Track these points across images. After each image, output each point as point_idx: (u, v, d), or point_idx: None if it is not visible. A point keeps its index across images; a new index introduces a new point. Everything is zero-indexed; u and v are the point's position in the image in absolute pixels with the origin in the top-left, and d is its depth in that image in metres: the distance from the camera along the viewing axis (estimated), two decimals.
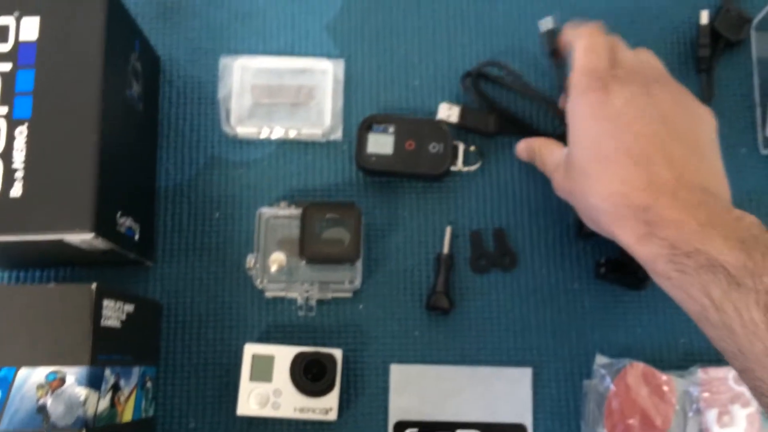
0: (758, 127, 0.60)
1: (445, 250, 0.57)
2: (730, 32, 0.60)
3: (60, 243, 0.45)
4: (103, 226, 0.45)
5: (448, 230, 0.57)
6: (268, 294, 0.56)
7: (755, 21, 0.61)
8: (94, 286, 0.43)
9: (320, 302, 0.56)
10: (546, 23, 0.58)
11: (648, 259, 0.41)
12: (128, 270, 0.56)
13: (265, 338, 0.55)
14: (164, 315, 0.56)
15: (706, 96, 0.59)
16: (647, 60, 0.49)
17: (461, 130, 0.59)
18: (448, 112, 0.59)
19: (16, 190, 0.44)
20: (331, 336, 0.56)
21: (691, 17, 0.61)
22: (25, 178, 0.45)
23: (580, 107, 0.45)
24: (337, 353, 0.52)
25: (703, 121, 0.47)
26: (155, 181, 0.58)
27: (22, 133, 0.45)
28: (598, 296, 0.57)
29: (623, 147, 0.42)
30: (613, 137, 0.43)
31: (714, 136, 0.47)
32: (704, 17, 0.60)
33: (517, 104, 0.61)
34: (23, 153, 0.45)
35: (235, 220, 0.58)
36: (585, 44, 0.48)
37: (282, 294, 0.56)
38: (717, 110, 0.59)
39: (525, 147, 0.55)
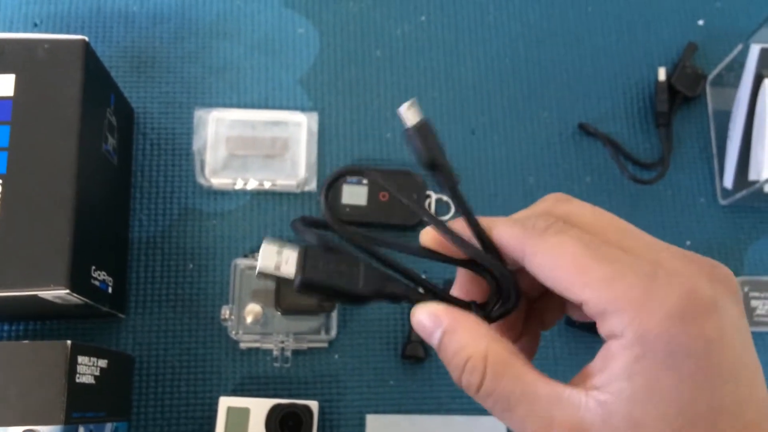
0: (716, 177, 0.63)
1: None
2: (686, 88, 0.63)
3: (33, 298, 0.45)
4: (77, 281, 0.45)
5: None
6: (243, 345, 0.55)
7: (710, 77, 0.64)
8: (69, 343, 0.42)
9: (296, 353, 0.56)
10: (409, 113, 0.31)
11: None
12: (99, 323, 0.55)
13: (239, 390, 0.55)
14: (136, 368, 0.55)
15: (665, 149, 0.62)
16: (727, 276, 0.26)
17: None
18: None
19: None
20: (307, 387, 0.56)
21: (650, 75, 0.64)
22: None
23: (681, 347, 0.23)
24: (314, 405, 0.52)
25: None
26: (129, 233, 0.57)
27: None
28: (569, 344, 0.58)
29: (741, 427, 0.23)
30: (734, 414, 0.23)
31: None
32: (662, 74, 0.63)
33: None
34: None
35: (209, 272, 0.58)
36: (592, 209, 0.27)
37: (257, 345, 0.55)
38: (677, 162, 0.62)
39: (436, 330, 0.28)
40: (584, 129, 0.62)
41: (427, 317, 0.28)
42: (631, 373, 0.23)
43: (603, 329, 0.25)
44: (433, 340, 0.28)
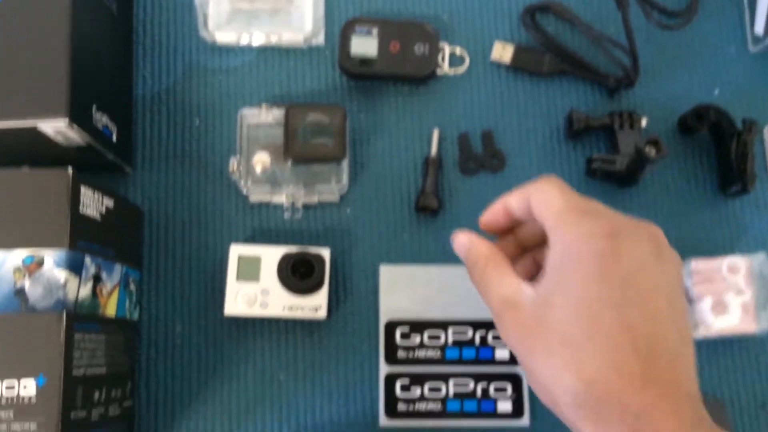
0: (746, 24, 0.60)
1: (433, 151, 0.56)
2: None
3: (34, 134, 0.44)
4: (77, 114, 0.44)
5: (436, 132, 0.56)
6: (253, 199, 0.54)
7: None
8: (69, 169, 0.42)
9: (306, 207, 0.55)
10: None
11: None
12: (107, 176, 0.54)
13: (250, 242, 0.54)
14: (146, 222, 0.54)
15: None
16: (652, 229, 0.38)
17: (513, 70, 0.58)
18: (501, 52, 0.57)
19: None
20: (318, 240, 0.55)
21: None
22: None
23: (582, 256, 0.35)
24: (325, 252, 0.51)
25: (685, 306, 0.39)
26: (132, 89, 0.56)
27: None
28: (588, 193, 0.55)
29: (626, 325, 0.33)
30: (619, 310, 0.33)
31: None
32: None
33: (576, 44, 0.58)
34: None
35: (216, 128, 0.56)
36: (557, 182, 0.39)
37: (267, 199, 0.54)
38: (705, 10, 0.59)
39: (466, 246, 0.42)
40: None
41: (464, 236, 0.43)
42: (554, 270, 0.36)
43: (548, 245, 0.37)
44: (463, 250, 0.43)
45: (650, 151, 0.50)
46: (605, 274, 0.34)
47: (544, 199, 0.38)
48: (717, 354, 0.54)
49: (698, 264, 0.54)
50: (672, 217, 0.56)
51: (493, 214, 0.42)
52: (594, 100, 0.58)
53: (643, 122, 0.56)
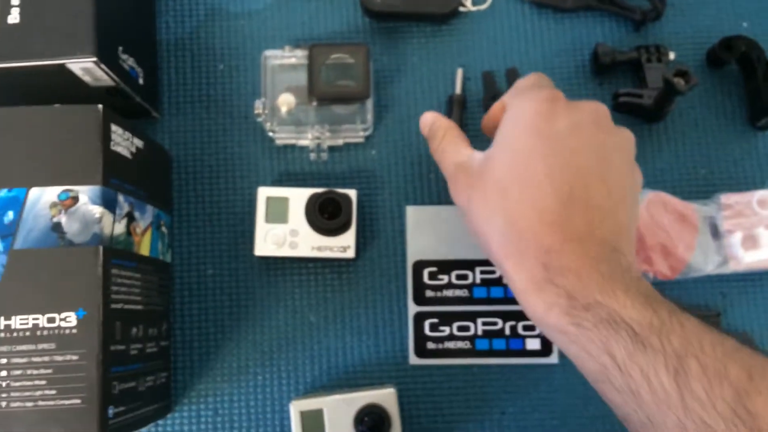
0: None
1: (458, 90, 0.55)
2: None
3: (62, 73, 0.44)
4: (104, 53, 0.44)
5: (460, 71, 0.56)
6: (279, 141, 0.55)
7: None
8: (100, 107, 0.42)
9: (332, 149, 0.55)
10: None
11: (539, 309, 0.36)
12: (135, 122, 0.54)
13: (277, 185, 0.55)
14: (174, 167, 0.55)
15: None
16: (596, 104, 0.43)
17: (537, 5, 0.57)
18: None
19: (14, 17, 0.43)
20: (344, 181, 0.55)
21: None
22: (21, 4, 0.43)
23: (523, 115, 0.40)
24: (352, 193, 0.51)
25: (635, 179, 0.43)
26: (155, 33, 0.56)
27: None
28: None
29: (551, 174, 0.38)
30: (546, 161, 0.38)
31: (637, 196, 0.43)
32: None
33: None
34: None
35: (240, 72, 0.56)
36: (538, 74, 0.45)
37: (293, 141, 0.55)
38: None
39: (429, 123, 0.47)
40: None
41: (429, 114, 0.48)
42: (500, 134, 0.41)
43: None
44: (426, 126, 0.48)
45: (679, 82, 0.50)
46: (539, 129, 0.39)
47: (517, 84, 0.44)
48: (747, 288, 0.54)
49: (728, 198, 0.53)
50: (700, 151, 0.55)
51: (493, 111, 0.46)
52: (620, 34, 0.57)
53: (671, 56, 0.55)
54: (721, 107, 0.56)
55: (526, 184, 0.38)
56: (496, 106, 0.45)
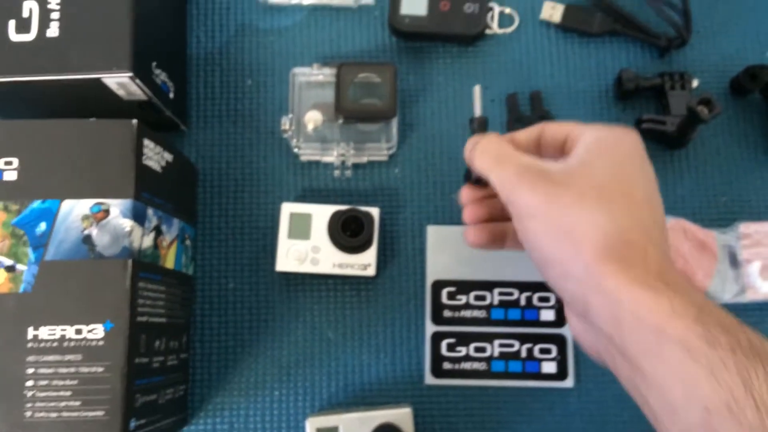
0: None
1: (477, 110, 0.56)
2: None
3: (97, 87, 0.45)
4: (140, 68, 0.45)
5: (477, 88, 0.56)
6: (304, 157, 0.55)
7: None
8: (135, 122, 0.42)
9: (356, 166, 0.56)
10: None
11: (656, 310, 0.33)
12: (163, 135, 0.55)
13: (301, 201, 0.55)
14: (200, 180, 0.55)
15: None
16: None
17: (563, 29, 0.58)
18: (551, 12, 0.57)
19: (53, 31, 0.44)
20: (367, 199, 0.55)
21: None
22: (61, 18, 0.44)
23: (619, 141, 0.40)
24: (375, 211, 0.52)
25: None
26: (186, 47, 0.57)
27: None
28: None
29: (649, 200, 0.38)
30: (647, 186, 0.39)
31: None
32: None
33: (627, 2, 0.57)
34: None
35: (268, 87, 0.57)
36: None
37: (317, 158, 0.55)
38: None
39: (473, 142, 0.45)
40: None
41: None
42: (588, 150, 0.39)
43: (571, 144, 0.41)
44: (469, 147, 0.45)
45: (702, 110, 0.50)
46: (642, 156, 0.40)
47: (555, 124, 0.44)
48: (764, 318, 0.54)
49: (747, 227, 0.53)
50: (722, 179, 0.56)
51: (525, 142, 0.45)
52: (644, 60, 0.57)
53: (695, 83, 0.55)
54: (744, 136, 0.56)
55: (632, 201, 0.37)
56: (534, 131, 0.45)
